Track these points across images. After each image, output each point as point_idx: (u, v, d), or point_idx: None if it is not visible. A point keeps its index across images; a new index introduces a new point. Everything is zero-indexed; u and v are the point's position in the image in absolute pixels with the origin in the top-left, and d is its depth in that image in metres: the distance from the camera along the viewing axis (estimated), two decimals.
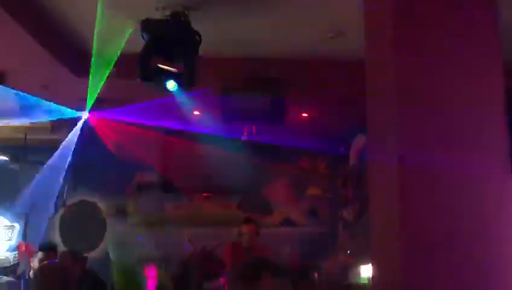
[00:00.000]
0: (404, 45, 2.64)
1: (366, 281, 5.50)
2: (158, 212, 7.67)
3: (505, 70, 2.68)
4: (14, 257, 6.31)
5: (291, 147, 7.08)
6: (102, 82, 5.24)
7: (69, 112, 6.31)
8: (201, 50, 4.54)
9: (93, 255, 5.80)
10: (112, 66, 5.02)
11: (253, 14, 4.58)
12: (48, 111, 6.07)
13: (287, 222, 7.84)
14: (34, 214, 6.69)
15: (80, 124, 6.47)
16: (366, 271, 5.60)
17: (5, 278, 5.72)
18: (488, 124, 2.61)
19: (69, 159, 6.46)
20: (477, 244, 2.49)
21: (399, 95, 2.62)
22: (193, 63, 4.57)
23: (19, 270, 5.85)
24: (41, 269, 3.75)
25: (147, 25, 4.38)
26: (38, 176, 6.63)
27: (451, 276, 2.44)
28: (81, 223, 6.61)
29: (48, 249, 4.97)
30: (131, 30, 4.66)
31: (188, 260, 5.50)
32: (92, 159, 6.59)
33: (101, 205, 6.76)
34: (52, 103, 6.04)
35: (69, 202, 6.86)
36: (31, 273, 5.00)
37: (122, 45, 4.79)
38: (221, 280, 5.01)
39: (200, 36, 4.49)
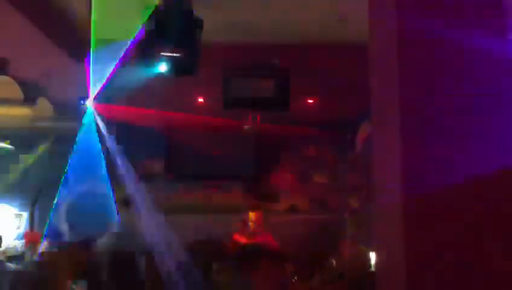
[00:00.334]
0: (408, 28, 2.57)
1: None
2: (165, 200, 7.67)
3: None
4: (22, 245, 6.36)
5: (296, 135, 7.04)
6: (105, 69, 5.21)
7: (72, 100, 6.29)
8: (204, 36, 4.50)
9: (100, 242, 5.82)
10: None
11: None
12: (52, 99, 6.07)
13: (294, 210, 7.82)
14: (41, 202, 6.73)
15: (84, 111, 6.45)
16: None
17: (13, 266, 5.76)
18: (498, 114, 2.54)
19: (75, 146, 6.46)
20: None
21: (402, 81, 2.56)
22: (195, 49, 4.53)
23: (27, 258, 5.90)
24: (47, 256, 3.77)
25: (148, 12, 4.35)
26: (44, 164, 6.66)
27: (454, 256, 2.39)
28: (88, 210, 6.63)
29: (54, 236, 5.00)
30: (132, 16, 4.62)
31: (192, 246, 5.49)
32: (98, 147, 6.58)
33: (109, 193, 6.77)
34: (55, 91, 6.04)
35: (76, 190, 6.88)
36: (37, 261, 5.03)
37: (124, 31, 4.76)
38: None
39: (201, 22, 4.45)
